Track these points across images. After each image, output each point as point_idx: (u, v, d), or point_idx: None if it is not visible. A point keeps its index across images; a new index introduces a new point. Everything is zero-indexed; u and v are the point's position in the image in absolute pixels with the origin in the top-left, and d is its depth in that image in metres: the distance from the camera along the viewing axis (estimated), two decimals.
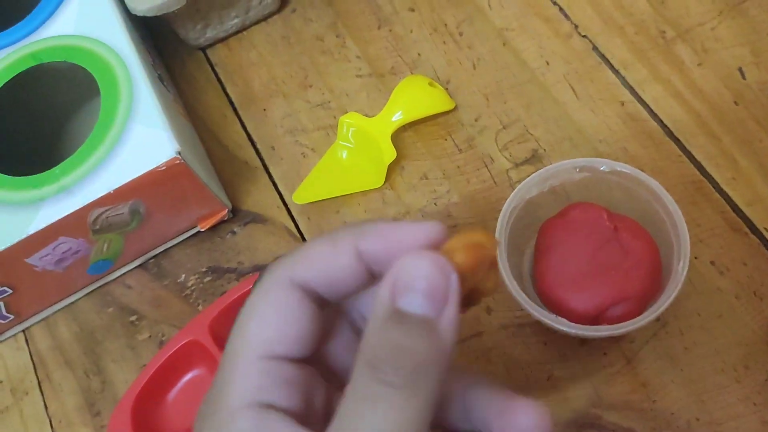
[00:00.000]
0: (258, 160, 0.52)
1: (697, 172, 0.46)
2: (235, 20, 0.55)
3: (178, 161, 0.42)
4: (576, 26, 0.52)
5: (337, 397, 0.24)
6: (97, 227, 0.44)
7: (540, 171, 0.41)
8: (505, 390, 0.26)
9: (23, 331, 0.49)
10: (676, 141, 0.47)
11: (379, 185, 0.48)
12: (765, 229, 0.44)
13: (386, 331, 0.22)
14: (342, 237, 0.25)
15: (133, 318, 0.48)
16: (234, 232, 0.50)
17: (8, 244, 0.41)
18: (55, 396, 0.47)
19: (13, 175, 0.43)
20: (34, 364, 0.48)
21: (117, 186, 0.42)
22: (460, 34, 0.53)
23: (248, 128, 0.53)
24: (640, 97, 0.48)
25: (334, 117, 0.52)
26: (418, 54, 0.53)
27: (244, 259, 0.49)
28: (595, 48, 0.51)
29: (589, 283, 0.39)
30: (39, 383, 0.47)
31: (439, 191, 0.48)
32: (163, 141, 0.42)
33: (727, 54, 0.49)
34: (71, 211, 0.41)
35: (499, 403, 0.26)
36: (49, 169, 0.43)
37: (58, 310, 0.49)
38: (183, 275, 0.49)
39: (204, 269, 0.49)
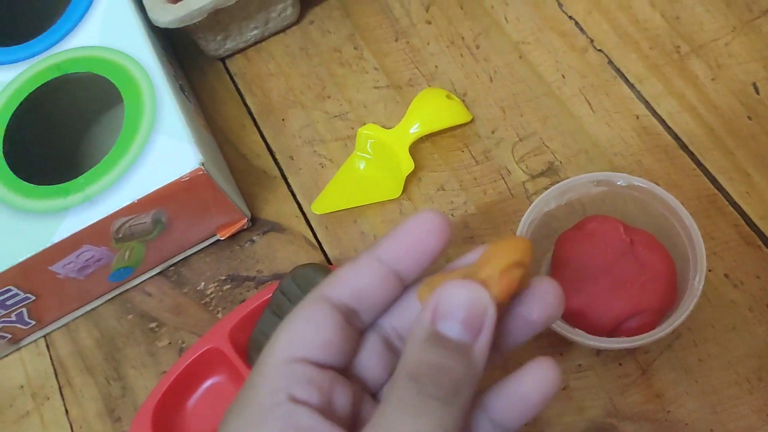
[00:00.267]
0: (277, 169, 0.52)
1: (711, 186, 0.46)
2: (255, 32, 0.55)
3: (201, 172, 0.43)
4: (591, 40, 0.52)
5: (362, 400, 0.27)
6: (120, 236, 0.44)
7: (558, 184, 0.42)
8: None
9: (44, 336, 0.50)
10: (691, 155, 0.47)
11: (397, 196, 0.49)
12: None
13: (427, 350, 0.25)
14: (363, 254, 0.28)
15: (153, 325, 0.49)
16: (253, 241, 0.50)
17: (33, 252, 0.42)
18: (76, 401, 0.47)
19: (35, 183, 0.44)
20: (55, 369, 0.49)
21: (141, 196, 0.42)
22: (477, 47, 0.54)
23: (267, 138, 0.54)
24: (654, 111, 0.49)
25: (352, 128, 0.52)
26: (436, 66, 0.53)
27: (263, 268, 0.49)
28: (610, 62, 0.51)
29: (606, 296, 0.40)
30: (60, 388, 0.48)
31: (456, 202, 0.49)
32: (187, 152, 0.43)
33: (740, 69, 0.49)
34: (95, 220, 0.42)
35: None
36: (69, 178, 0.44)
37: (79, 316, 0.50)
38: (202, 283, 0.49)
39: (223, 277, 0.49)
